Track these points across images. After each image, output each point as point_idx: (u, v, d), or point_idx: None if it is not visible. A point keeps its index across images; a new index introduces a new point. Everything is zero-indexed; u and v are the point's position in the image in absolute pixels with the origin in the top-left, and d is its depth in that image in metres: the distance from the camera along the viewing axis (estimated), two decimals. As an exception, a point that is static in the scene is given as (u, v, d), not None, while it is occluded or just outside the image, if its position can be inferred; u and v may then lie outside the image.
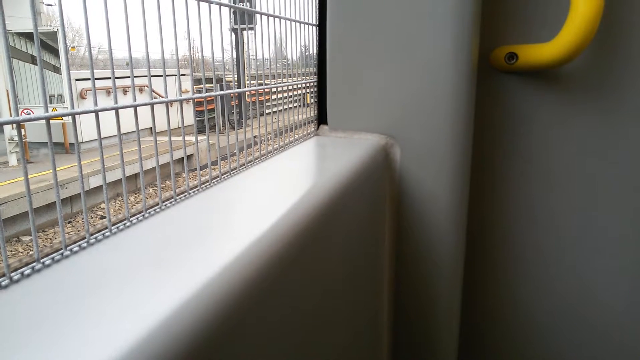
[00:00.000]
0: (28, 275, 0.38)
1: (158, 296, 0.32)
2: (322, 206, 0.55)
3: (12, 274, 0.40)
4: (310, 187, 0.60)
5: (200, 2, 0.96)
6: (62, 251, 0.49)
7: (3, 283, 0.38)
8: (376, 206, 0.85)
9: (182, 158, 0.86)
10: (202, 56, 1.00)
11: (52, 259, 0.45)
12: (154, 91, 0.99)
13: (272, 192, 0.60)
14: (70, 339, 0.27)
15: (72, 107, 0.73)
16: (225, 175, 0.84)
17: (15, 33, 9.93)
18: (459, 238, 1.00)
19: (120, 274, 0.34)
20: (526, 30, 1.03)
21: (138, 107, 0.87)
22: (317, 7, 1.17)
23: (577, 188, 1.08)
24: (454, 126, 0.90)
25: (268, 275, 0.40)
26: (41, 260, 0.44)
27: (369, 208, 0.79)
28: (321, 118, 1.01)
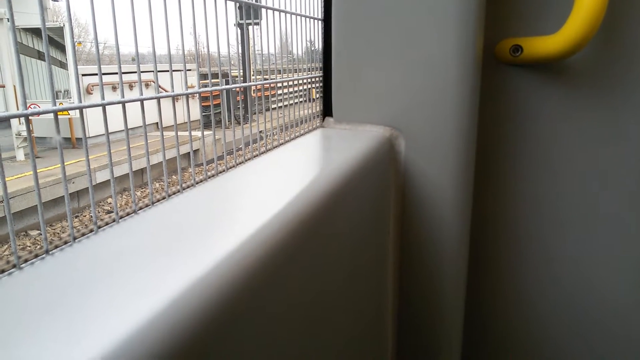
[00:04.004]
0: (33, 264, 0.39)
1: (156, 285, 0.32)
2: (326, 196, 0.55)
3: (22, 265, 0.41)
4: (315, 178, 0.60)
5: (206, -3, 0.97)
6: (70, 243, 0.50)
7: (14, 273, 0.39)
8: (381, 197, 0.85)
9: (188, 153, 0.87)
10: (208, 51, 1.00)
11: (55, 246, 0.46)
12: (160, 86, 1.00)
13: (276, 182, 0.60)
14: (74, 323, 0.27)
15: (80, 101, 0.73)
16: (231, 169, 0.84)
17: (21, 29, 9.98)
18: (464, 229, 1.01)
19: (116, 263, 0.35)
20: (532, 22, 1.02)
21: (144, 102, 0.88)
22: (323, 1, 1.17)
23: (584, 182, 1.07)
24: (458, 118, 0.90)
25: (270, 265, 0.40)
26: (50, 252, 0.44)
27: (373, 198, 0.80)
28: (326, 110, 1.01)
